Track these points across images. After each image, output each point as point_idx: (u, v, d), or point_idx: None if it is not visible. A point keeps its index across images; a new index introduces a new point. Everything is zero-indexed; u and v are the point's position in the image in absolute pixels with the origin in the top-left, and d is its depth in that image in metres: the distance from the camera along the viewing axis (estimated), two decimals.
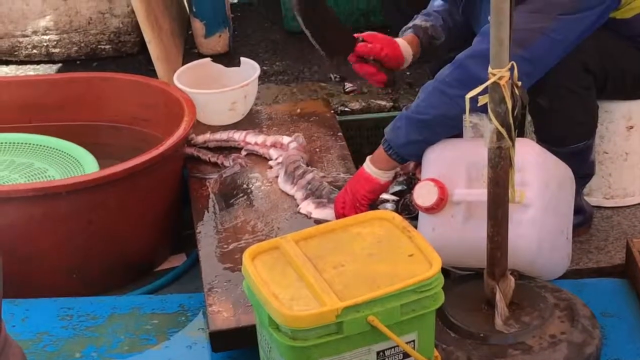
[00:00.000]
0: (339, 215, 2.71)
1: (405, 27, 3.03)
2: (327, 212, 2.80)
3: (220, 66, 3.43)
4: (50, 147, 3.16)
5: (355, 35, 2.95)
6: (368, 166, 2.71)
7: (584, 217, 2.96)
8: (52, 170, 3.06)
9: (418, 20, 3.01)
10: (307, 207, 2.84)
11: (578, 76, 2.70)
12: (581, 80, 2.71)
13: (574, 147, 2.80)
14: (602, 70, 2.74)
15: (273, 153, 3.05)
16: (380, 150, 2.70)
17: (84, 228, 2.81)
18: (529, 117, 3.19)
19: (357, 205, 2.72)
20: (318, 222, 2.74)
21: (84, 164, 3.06)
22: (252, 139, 3.12)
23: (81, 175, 2.96)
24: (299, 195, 2.88)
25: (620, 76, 2.81)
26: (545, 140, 2.77)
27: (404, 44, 2.97)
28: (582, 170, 2.86)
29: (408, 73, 3.87)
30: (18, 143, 3.22)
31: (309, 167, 2.94)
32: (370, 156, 2.73)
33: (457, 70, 2.55)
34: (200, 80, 3.31)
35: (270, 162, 3.04)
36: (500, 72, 2.17)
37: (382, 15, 4.17)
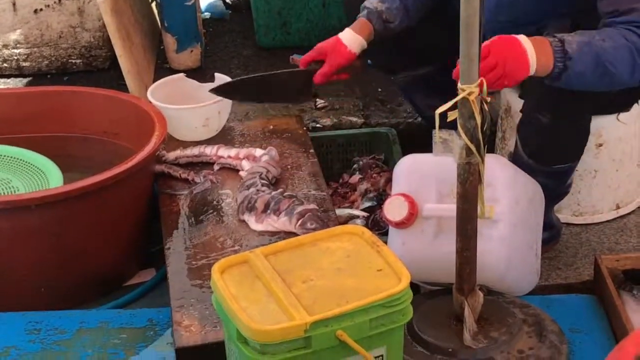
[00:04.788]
0: None
1: (363, 5, 2.97)
2: (265, 225, 2.80)
3: (194, 81, 3.42)
4: (13, 157, 3.13)
5: (303, 63, 3.00)
6: (530, 49, 2.46)
7: (553, 233, 2.97)
8: (16, 181, 3.04)
9: (374, 1, 2.95)
10: (247, 219, 2.85)
11: (584, 96, 2.63)
12: (585, 101, 2.67)
13: (559, 167, 2.81)
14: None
15: (245, 164, 3.05)
16: (546, 47, 2.47)
17: (53, 242, 2.79)
18: (499, 134, 3.22)
19: None
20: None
21: (48, 174, 3.04)
22: (225, 153, 3.11)
23: (50, 188, 2.94)
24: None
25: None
26: (533, 155, 2.76)
27: (351, 36, 2.93)
28: (560, 190, 2.88)
29: (380, 90, 3.89)
30: None
31: (264, 181, 2.93)
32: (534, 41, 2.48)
33: None
34: (174, 96, 3.29)
35: (241, 173, 3.03)
36: (470, 88, 2.18)
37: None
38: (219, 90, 3.13)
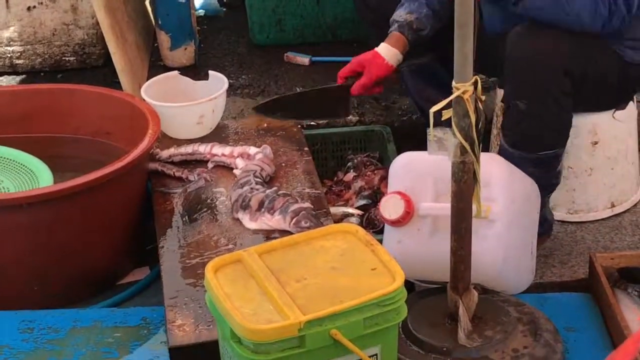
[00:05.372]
0: None
1: (392, 18, 3.03)
2: (259, 223, 2.80)
3: (188, 79, 3.41)
4: (4, 158, 3.12)
5: (341, 77, 3.04)
6: None
7: (545, 227, 2.97)
8: (7, 182, 3.03)
9: (403, 13, 3.01)
10: (241, 217, 2.84)
11: (558, 80, 2.71)
12: (561, 85, 2.72)
13: (544, 154, 2.80)
14: (580, 75, 2.74)
15: (239, 162, 3.04)
16: None
17: (46, 240, 2.78)
18: (494, 131, 3.21)
19: None
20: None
21: (38, 175, 3.03)
22: (219, 151, 3.11)
23: (43, 187, 2.93)
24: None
25: (595, 83, 2.81)
26: (515, 144, 2.78)
27: (388, 51, 2.99)
28: (549, 179, 2.87)
29: None
30: None
31: (258, 179, 2.92)
32: None
33: None
34: (168, 93, 3.29)
35: (235, 171, 3.02)
36: (464, 87, 2.18)
37: (348, 29, 4.18)
38: (261, 109, 3.14)
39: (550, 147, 2.81)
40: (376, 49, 3.01)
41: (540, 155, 2.79)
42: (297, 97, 3.16)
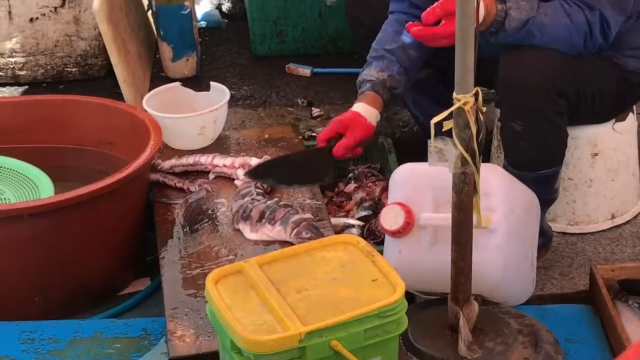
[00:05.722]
0: None
1: (361, 78, 2.91)
2: (260, 234, 2.79)
3: (189, 90, 3.42)
4: (5, 168, 3.12)
5: (323, 140, 2.88)
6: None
7: (545, 240, 2.97)
8: (8, 192, 3.03)
9: (374, 72, 2.89)
10: (242, 228, 2.84)
11: (552, 101, 2.71)
12: (555, 106, 2.72)
13: (542, 172, 2.81)
14: (576, 94, 2.76)
15: (240, 173, 3.04)
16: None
17: (47, 251, 2.78)
18: (495, 143, 3.21)
19: None
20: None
21: (39, 185, 3.03)
22: (220, 162, 3.11)
23: (44, 197, 2.93)
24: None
25: (593, 98, 2.82)
26: (515, 164, 2.78)
27: (367, 110, 2.85)
28: (547, 196, 2.88)
29: None
30: None
31: (259, 190, 2.92)
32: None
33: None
34: (169, 104, 3.29)
35: (236, 182, 3.03)
36: (465, 98, 2.18)
37: (350, 41, 4.18)
38: (252, 174, 2.92)
39: (548, 165, 2.82)
40: (355, 109, 2.85)
41: (539, 174, 2.80)
42: (283, 161, 2.93)
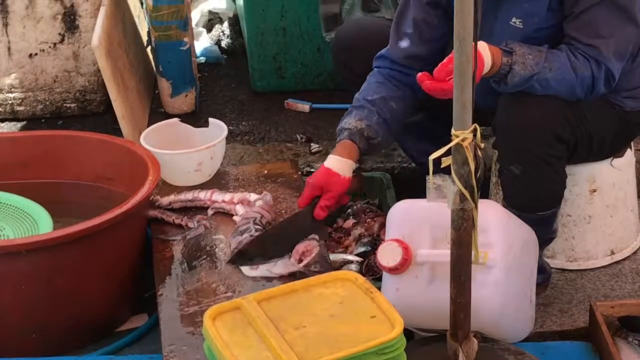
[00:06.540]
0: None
1: (340, 126, 2.92)
2: (259, 271, 2.78)
3: (188, 126, 3.42)
4: (4, 204, 3.12)
5: (301, 205, 2.90)
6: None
7: (545, 277, 2.97)
8: (8, 228, 3.02)
9: (352, 120, 2.90)
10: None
11: (551, 146, 2.71)
12: (554, 150, 2.73)
13: (542, 214, 2.81)
14: (574, 138, 2.76)
15: (239, 209, 3.04)
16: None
17: (44, 287, 2.77)
18: (493, 179, 3.21)
19: None
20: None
21: (38, 221, 3.03)
22: (219, 197, 3.11)
23: (42, 233, 2.93)
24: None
25: (591, 140, 2.83)
26: (514, 206, 2.78)
27: (340, 164, 2.86)
28: (546, 235, 2.88)
29: None
30: None
31: (257, 227, 2.91)
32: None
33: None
34: (167, 140, 3.30)
35: (235, 218, 3.02)
36: (464, 134, 2.17)
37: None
38: (235, 261, 2.85)
39: (547, 207, 2.82)
40: (327, 164, 2.86)
41: (538, 215, 2.80)
42: (267, 237, 2.86)
